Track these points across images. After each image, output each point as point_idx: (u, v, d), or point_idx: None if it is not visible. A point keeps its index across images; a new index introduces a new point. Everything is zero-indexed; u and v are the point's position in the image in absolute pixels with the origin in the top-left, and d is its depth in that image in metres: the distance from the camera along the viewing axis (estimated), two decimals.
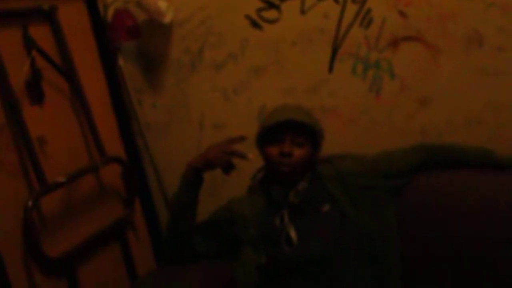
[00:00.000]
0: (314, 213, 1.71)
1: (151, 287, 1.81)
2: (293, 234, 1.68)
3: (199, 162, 1.77)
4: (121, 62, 2.38)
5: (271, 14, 2.13)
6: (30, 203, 1.85)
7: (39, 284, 1.94)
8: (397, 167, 1.76)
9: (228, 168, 1.76)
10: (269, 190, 1.78)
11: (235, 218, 1.81)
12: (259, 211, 1.78)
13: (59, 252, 1.99)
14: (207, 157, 1.76)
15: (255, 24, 2.16)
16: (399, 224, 1.72)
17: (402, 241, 1.70)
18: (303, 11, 2.08)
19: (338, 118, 2.12)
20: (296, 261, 1.66)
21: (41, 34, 2.01)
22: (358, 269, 1.65)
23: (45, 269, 1.96)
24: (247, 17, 2.16)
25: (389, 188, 1.74)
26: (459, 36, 1.88)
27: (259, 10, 2.14)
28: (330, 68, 2.09)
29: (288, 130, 1.69)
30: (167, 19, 2.22)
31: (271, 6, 2.12)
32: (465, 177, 1.72)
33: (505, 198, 1.63)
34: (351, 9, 2.01)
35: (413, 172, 1.76)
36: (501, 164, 1.70)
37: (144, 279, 1.98)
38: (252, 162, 1.75)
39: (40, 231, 1.95)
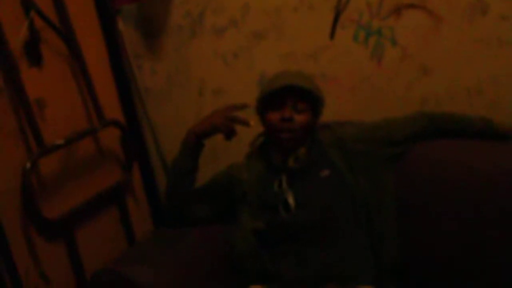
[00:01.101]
0: (313, 178, 1.71)
1: (148, 249, 1.82)
2: (291, 199, 1.69)
3: (202, 127, 1.78)
4: (120, 26, 2.36)
5: None
6: (28, 165, 1.86)
7: (37, 245, 1.96)
8: (397, 134, 1.75)
9: (230, 134, 1.77)
10: (268, 155, 1.79)
11: (234, 183, 1.82)
12: (258, 176, 1.79)
13: (57, 214, 2.01)
14: (209, 122, 1.77)
15: None
16: (396, 192, 1.71)
17: (398, 210, 1.70)
18: None
19: (338, 85, 2.11)
20: (293, 226, 1.66)
21: None
22: (354, 235, 1.65)
23: (43, 231, 1.98)
24: None
25: (388, 155, 1.73)
26: (462, 4, 1.86)
27: None
28: (332, 35, 2.07)
29: (289, 96, 1.68)
30: None
31: None
32: (464, 146, 1.71)
33: (503, 168, 1.62)
34: None
35: (412, 140, 1.75)
36: (500, 133, 1.69)
37: (141, 242, 1.99)
38: (252, 128, 1.76)
39: (39, 193, 1.96)
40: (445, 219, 1.66)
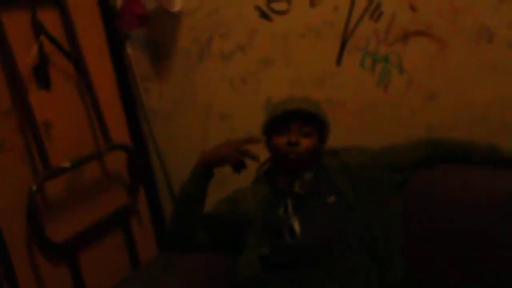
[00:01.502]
0: (319, 204, 1.71)
1: (151, 274, 1.81)
2: (296, 225, 1.68)
3: (212, 156, 1.72)
4: (129, 49, 2.38)
5: (280, 5, 2.12)
6: (34, 187, 1.87)
7: (42, 268, 1.96)
8: (403, 160, 1.75)
9: (239, 167, 1.73)
10: (274, 180, 1.78)
11: (239, 209, 1.80)
12: (264, 201, 1.78)
13: (62, 237, 2.01)
14: (220, 152, 1.71)
15: (264, 15, 2.16)
16: (403, 217, 1.71)
17: (405, 235, 1.69)
18: (312, 4, 2.07)
19: (345, 111, 2.11)
20: (298, 252, 1.65)
21: (49, 19, 2.02)
22: (359, 260, 1.64)
23: (47, 254, 1.98)
24: (257, 8, 2.16)
25: (394, 181, 1.73)
26: (469, 31, 1.87)
27: (268, 1, 2.13)
28: (338, 61, 2.09)
29: (295, 120, 1.68)
30: (176, 7, 2.22)
31: None
32: (470, 172, 1.71)
33: (508, 194, 1.62)
34: (361, 2, 2.00)
35: (418, 166, 1.75)
36: (506, 160, 1.68)
37: (145, 266, 1.98)
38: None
39: (44, 216, 1.96)
40: (453, 245, 1.66)
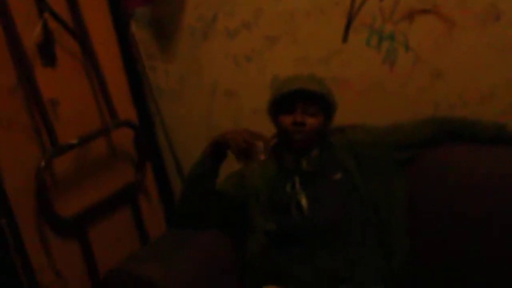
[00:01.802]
0: (325, 181, 1.72)
1: (160, 249, 1.83)
2: (303, 201, 1.69)
3: (220, 137, 1.71)
4: (133, 28, 2.37)
5: None
6: (42, 164, 1.88)
7: (52, 244, 1.99)
8: (409, 139, 1.76)
9: (242, 156, 1.66)
10: (281, 157, 1.79)
11: (246, 185, 1.82)
12: (271, 178, 1.79)
13: (71, 213, 2.03)
14: (227, 135, 1.69)
15: None
16: (407, 195, 1.72)
17: (410, 211, 1.71)
18: None
19: (350, 89, 2.11)
20: (306, 228, 1.67)
21: None
22: (365, 237, 1.66)
23: (57, 229, 2.01)
24: None
25: (400, 160, 1.74)
26: (476, 10, 1.86)
27: None
28: (344, 39, 2.08)
29: (301, 99, 1.69)
30: None
31: None
32: (477, 151, 1.71)
33: None
34: None
35: (424, 145, 1.76)
36: None
37: (154, 243, 2.00)
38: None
39: (53, 192, 1.98)
40: (457, 224, 1.66)
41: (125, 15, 2.35)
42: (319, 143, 1.76)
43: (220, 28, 2.29)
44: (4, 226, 1.78)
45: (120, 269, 1.71)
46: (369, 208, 1.69)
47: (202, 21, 2.31)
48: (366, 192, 1.69)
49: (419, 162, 1.75)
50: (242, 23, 2.24)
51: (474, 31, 1.88)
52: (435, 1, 1.91)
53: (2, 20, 1.83)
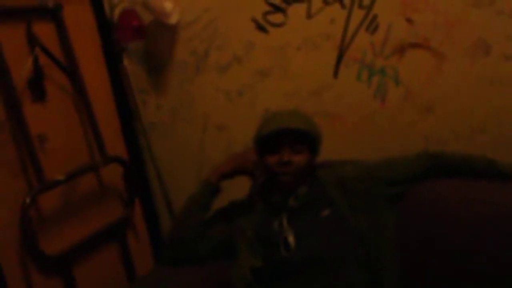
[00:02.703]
0: (313, 217, 1.69)
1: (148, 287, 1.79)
2: (291, 238, 1.66)
3: (228, 167, 1.78)
4: (126, 62, 2.37)
5: (277, 18, 2.12)
6: (27, 200, 1.86)
7: (36, 282, 1.95)
8: (399, 174, 1.73)
9: (256, 175, 1.76)
10: (268, 194, 1.77)
11: (233, 221, 1.80)
12: (258, 214, 1.77)
13: (56, 250, 1.99)
14: (237, 163, 1.77)
15: (260, 28, 2.15)
16: (398, 232, 1.69)
17: (400, 249, 1.67)
18: (309, 16, 2.06)
19: (341, 123, 2.10)
20: (293, 265, 1.64)
21: (45, 31, 2.02)
22: (354, 273, 1.62)
23: (42, 267, 1.97)
24: (253, 20, 2.15)
25: (390, 195, 1.71)
26: (465, 44, 1.86)
27: (265, 14, 2.13)
28: (335, 73, 2.08)
29: (285, 138, 1.68)
30: (173, 20, 2.22)
31: (277, 9, 2.10)
32: (467, 186, 1.69)
33: (506, 207, 1.60)
34: (358, 14, 1.99)
35: (415, 180, 1.73)
36: (504, 173, 1.66)
37: (141, 280, 1.96)
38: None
39: (38, 229, 1.95)
40: (447, 259, 1.64)
41: (117, 50, 2.35)
42: (307, 179, 1.73)
43: (212, 63, 2.29)
44: None
45: None
46: (359, 244, 1.65)
47: (194, 55, 2.32)
48: (356, 228, 1.66)
49: (409, 197, 1.73)
50: (233, 57, 2.24)
51: (464, 65, 1.88)
52: (425, 35, 1.91)
53: None
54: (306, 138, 1.69)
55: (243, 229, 1.76)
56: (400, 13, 1.92)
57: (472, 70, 1.87)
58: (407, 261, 1.68)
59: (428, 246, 1.67)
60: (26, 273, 1.91)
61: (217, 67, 2.29)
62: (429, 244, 1.67)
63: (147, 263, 2.47)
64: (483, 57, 1.85)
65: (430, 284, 1.66)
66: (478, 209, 1.63)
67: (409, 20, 1.92)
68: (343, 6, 2.00)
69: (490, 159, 1.68)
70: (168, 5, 2.17)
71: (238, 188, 1.96)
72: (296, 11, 2.07)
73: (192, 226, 1.76)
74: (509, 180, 1.65)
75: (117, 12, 2.30)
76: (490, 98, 1.86)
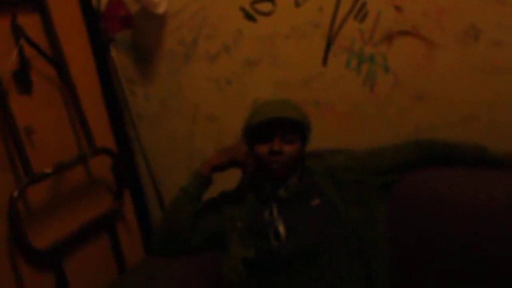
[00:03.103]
0: (304, 207, 1.69)
1: (138, 279, 1.78)
2: (281, 228, 1.67)
3: (219, 159, 1.75)
4: (113, 52, 2.35)
5: (265, 6, 2.10)
6: (15, 194, 1.84)
7: (25, 276, 1.93)
8: (390, 163, 1.73)
9: (248, 168, 1.74)
10: (258, 184, 1.77)
11: (224, 212, 1.80)
12: (248, 204, 1.77)
13: (45, 243, 1.98)
14: (228, 155, 1.74)
15: (249, 16, 2.13)
16: (388, 220, 1.69)
17: (391, 238, 1.68)
18: (297, 4, 2.05)
19: (331, 112, 2.09)
20: (284, 255, 1.64)
21: (30, 23, 1.98)
22: (345, 264, 1.63)
23: (31, 261, 1.95)
24: (241, 9, 2.13)
25: (380, 184, 1.71)
26: (455, 31, 1.85)
27: (253, 2, 2.11)
28: (324, 62, 2.06)
29: (276, 127, 1.67)
30: (161, 9, 2.19)
31: None
32: (458, 174, 1.69)
33: (498, 196, 1.60)
34: (346, 2, 1.97)
35: (404, 168, 1.73)
36: (495, 161, 1.66)
37: (131, 271, 1.96)
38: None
39: (27, 222, 1.93)
40: (437, 249, 1.64)
41: (104, 40, 2.32)
42: (297, 169, 1.73)
43: (201, 52, 2.27)
44: None
45: None
46: (349, 233, 1.65)
47: (182, 44, 2.29)
48: (346, 217, 1.66)
49: (399, 188, 1.73)
50: (222, 47, 2.22)
51: (454, 52, 1.87)
52: (414, 22, 1.90)
53: None
54: (296, 128, 1.68)
55: (234, 219, 1.76)
56: (389, 1, 1.91)
57: (463, 57, 1.86)
58: (398, 254, 1.68)
59: (419, 239, 1.68)
60: (14, 267, 1.89)
61: (206, 56, 2.27)
62: (420, 236, 1.68)
63: (138, 254, 2.45)
64: (473, 43, 1.83)
65: (421, 277, 1.66)
66: (469, 200, 1.63)
67: (398, 8, 1.90)
68: None
69: (482, 147, 1.68)
70: None
71: (228, 180, 1.95)
72: None
73: (183, 217, 1.75)
74: (501, 167, 1.65)
75: (103, 1, 2.27)
76: (481, 85, 1.85)
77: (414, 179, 1.72)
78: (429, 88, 1.93)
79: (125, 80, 2.40)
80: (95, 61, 2.32)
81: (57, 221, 2.06)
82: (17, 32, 1.91)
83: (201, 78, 2.30)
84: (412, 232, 1.68)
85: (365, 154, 1.76)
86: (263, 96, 2.12)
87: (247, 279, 1.66)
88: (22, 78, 1.95)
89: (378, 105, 2.02)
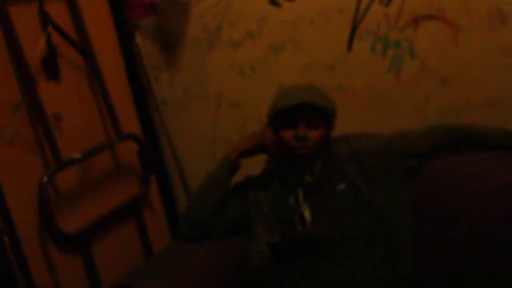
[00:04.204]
0: (329, 192, 1.69)
1: (163, 263, 1.81)
2: (307, 213, 1.67)
3: (247, 145, 1.76)
4: (138, 39, 2.36)
5: None
6: (45, 179, 1.87)
7: (54, 259, 1.97)
8: (415, 148, 1.72)
9: (276, 154, 1.76)
10: (284, 170, 1.77)
11: (249, 197, 1.81)
12: (274, 190, 1.77)
13: (74, 228, 2.01)
14: (257, 141, 1.75)
15: (273, 2, 2.13)
16: (414, 205, 1.68)
17: (416, 223, 1.67)
18: None
19: (356, 97, 2.09)
20: (309, 240, 1.64)
21: (57, 10, 2.01)
22: (370, 249, 1.62)
23: (60, 245, 1.99)
24: None
25: (405, 169, 1.70)
26: (481, 14, 1.83)
27: None
28: (349, 47, 2.05)
29: (301, 113, 1.66)
30: None
31: None
32: (484, 158, 1.67)
33: None
34: None
35: (430, 153, 1.72)
36: None
37: (158, 256, 1.98)
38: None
39: (56, 207, 1.96)
40: (464, 234, 1.63)
41: (129, 27, 2.34)
42: (322, 154, 1.73)
43: (225, 39, 2.28)
44: (7, 242, 1.77)
45: (122, 285, 1.69)
46: (375, 218, 1.65)
47: (206, 31, 2.30)
48: (372, 201, 1.66)
49: (425, 170, 1.71)
50: (246, 33, 2.23)
51: (480, 36, 1.85)
52: (440, 6, 1.88)
53: (6, 35, 1.83)
54: (321, 113, 1.68)
55: (259, 205, 1.76)
56: None
57: (488, 40, 1.84)
58: (423, 235, 1.67)
59: (444, 222, 1.67)
60: (45, 251, 1.93)
61: (229, 43, 2.27)
62: (445, 219, 1.67)
63: (164, 239, 2.48)
64: (499, 26, 1.81)
65: (445, 259, 1.66)
66: (495, 184, 1.62)
67: None
68: None
69: (508, 131, 1.66)
70: None
71: (253, 165, 1.97)
72: None
73: (210, 203, 1.76)
74: None
75: None
76: (506, 68, 1.83)
77: (440, 163, 1.71)
78: (454, 72, 1.92)
79: (150, 66, 2.42)
80: (121, 48, 2.34)
81: (85, 206, 2.09)
82: (45, 20, 1.94)
83: (225, 65, 2.31)
84: (437, 215, 1.68)
85: (391, 138, 1.75)
86: (287, 82, 2.12)
87: (273, 263, 1.66)
88: (50, 65, 1.98)
89: (403, 91, 2.00)
